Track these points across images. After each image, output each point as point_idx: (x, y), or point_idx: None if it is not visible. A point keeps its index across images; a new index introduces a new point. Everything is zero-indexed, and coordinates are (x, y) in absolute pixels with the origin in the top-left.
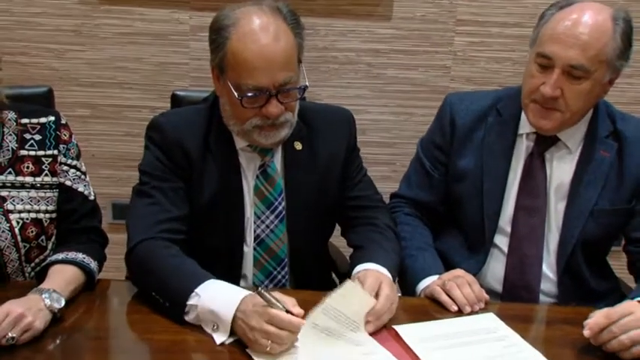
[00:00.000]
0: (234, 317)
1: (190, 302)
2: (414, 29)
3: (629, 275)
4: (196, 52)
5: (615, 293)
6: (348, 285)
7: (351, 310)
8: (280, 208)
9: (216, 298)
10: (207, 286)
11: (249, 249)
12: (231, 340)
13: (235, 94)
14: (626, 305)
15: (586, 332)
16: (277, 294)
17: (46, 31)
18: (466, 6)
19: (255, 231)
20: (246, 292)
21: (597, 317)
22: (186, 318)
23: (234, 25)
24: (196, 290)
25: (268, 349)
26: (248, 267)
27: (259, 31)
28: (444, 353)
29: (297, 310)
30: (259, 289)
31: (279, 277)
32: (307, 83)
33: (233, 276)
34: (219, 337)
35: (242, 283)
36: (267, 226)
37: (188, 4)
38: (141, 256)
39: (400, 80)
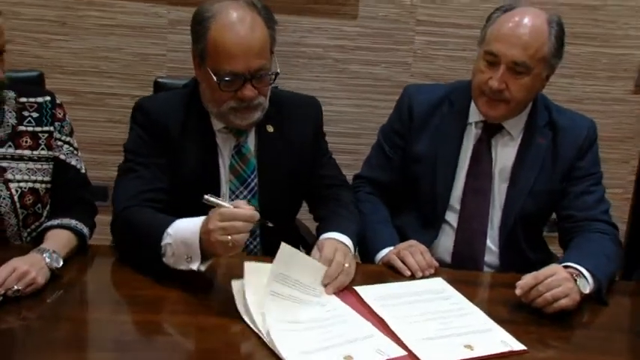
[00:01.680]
0: (200, 236)
1: (164, 242)
2: (377, 28)
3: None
4: (174, 44)
5: (549, 264)
6: (286, 250)
7: (305, 277)
8: (253, 184)
9: (185, 228)
10: (175, 224)
11: None
12: (204, 266)
13: (214, 78)
14: (551, 268)
15: (517, 291)
16: (235, 202)
17: (31, 20)
18: (425, 8)
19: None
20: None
21: (527, 278)
22: (165, 260)
23: (214, 17)
24: (167, 230)
25: (230, 244)
26: None
27: (237, 23)
28: (396, 309)
29: (248, 206)
30: (205, 197)
31: (251, 247)
32: (278, 70)
33: None
34: (194, 265)
35: None
36: None
37: None
38: (122, 221)
39: (364, 75)
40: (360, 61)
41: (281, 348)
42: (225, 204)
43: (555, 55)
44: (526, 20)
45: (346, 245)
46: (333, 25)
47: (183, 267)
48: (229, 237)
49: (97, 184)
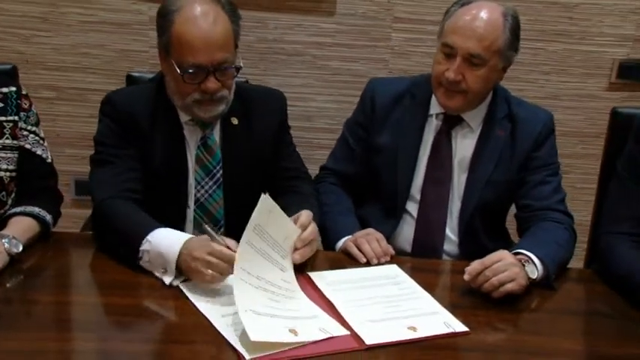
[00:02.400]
0: (180, 254)
1: (143, 248)
2: (355, 25)
3: None
4: (155, 41)
5: None
6: (267, 201)
7: (279, 235)
8: (218, 175)
9: (164, 241)
10: (156, 233)
11: (190, 211)
12: (178, 281)
13: (178, 70)
14: (498, 254)
15: (466, 276)
16: (227, 239)
17: (12, 16)
18: (402, 5)
19: (195, 195)
20: (190, 235)
21: (474, 264)
22: (141, 263)
23: (178, 11)
24: (147, 237)
25: (208, 277)
26: (189, 227)
27: (200, 17)
28: (346, 293)
29: (237, 249)
30: (204, 225)
31: None
32: (242, 64)
33: None
34: (167, 278)
35: None
36: (207, 191)
37: None
38: (103, 212)
39: (343, 71)
40: (338, 58)
41: (238, 300)
42: (219, 239)
43: (510, 48)
44: (482, 13)
45: None
46: (311, 22)
47: (157, 274)
48: (210, 272)
49: (79, 180)
